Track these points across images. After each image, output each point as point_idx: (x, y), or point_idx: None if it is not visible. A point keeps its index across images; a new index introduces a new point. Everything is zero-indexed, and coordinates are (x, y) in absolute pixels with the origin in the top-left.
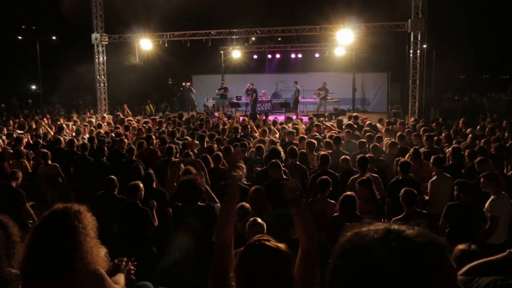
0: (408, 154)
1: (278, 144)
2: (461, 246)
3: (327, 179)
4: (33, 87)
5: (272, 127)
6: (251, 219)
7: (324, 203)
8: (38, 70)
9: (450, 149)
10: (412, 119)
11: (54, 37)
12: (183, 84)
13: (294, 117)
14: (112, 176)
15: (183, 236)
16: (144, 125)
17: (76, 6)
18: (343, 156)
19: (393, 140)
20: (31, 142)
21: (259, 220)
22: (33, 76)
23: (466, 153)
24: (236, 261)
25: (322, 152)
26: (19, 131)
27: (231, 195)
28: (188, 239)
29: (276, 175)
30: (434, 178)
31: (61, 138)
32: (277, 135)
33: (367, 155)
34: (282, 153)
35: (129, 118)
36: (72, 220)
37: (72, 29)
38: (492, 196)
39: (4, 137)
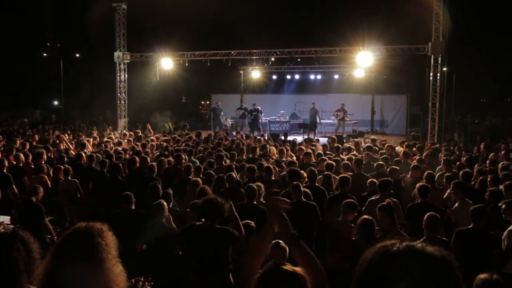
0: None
1: (295, 164)
2: (482, 276)
3: (353, 203)
4: (56, 102)
5: (288, 148)
6: (274, 241)
7: (345, 225)
8: (61, 86)
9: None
10: (429, 144)
11: (77, 55)
12: (216, 102)
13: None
14: (128, 192)
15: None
16: (163, 143)
17: (99, 25)
18: (370, 179)
19: (416, 164)
20: (52, 157)
21: (282, 243)
22: (56, 92)
23: (489, 179)
24: (253, 285)
25: (342, 175)
26: (41, 146)
27: (268, 231)
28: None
29: (296, 197)
30: (456, 204)
31: (82, 154)
32: (294, 158)
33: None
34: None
35: (151, 137)
36: (95, 237)
37: (95, 47)
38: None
39: (27, 152)
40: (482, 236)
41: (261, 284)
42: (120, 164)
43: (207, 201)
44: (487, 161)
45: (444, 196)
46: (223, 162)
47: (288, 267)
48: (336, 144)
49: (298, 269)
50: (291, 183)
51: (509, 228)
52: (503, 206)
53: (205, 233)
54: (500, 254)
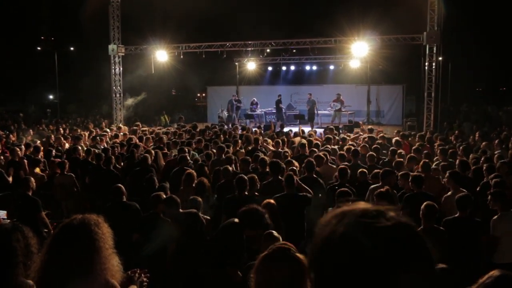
0: (420, 166)
1: (289, 156)
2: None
3: (347, 191)
4: (51, 97)
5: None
6: (267, 232)
7: None
8: (56, 80)
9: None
10: (428, 133)
11: (72, 48)
12: (233, 95)
13: (309, 129)
14: (119, 185)
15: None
16: (164, 134)
17: (94, 18)
18: (360, 169)
19: (412, 154)
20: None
21: (275, 233)
22: (51, 86)
23: (484, 167)
24: (257, 263)
25: (341, 166)
26: (37, 141)
27: None
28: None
29: (288, 190)
30: (449, 193)
31: (79, 147)
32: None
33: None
34: (297, 165)
35: (144, 129)
36: (92, 226)
37: (89, 40)
38: (497, 215)
39: (23, 147)
40: (469, 224)
41: (264, 264)
42: (113, 157)
43: (252, 211)
44: (479, 150)
45: (441, 185)
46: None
47: (291, 252)
48: (328, 135)
49: (300, 255)
50: (272, 176)
51: (494, 218)
52: (489, 197)
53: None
54: (488, 241)
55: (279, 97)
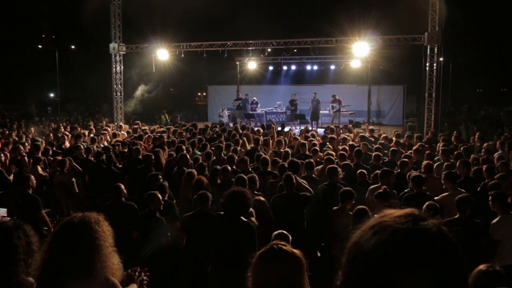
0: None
1: (290, 155)
2: (481, 267)
3: (351, 191)
4: (51, 95)
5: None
6: (277, 232)
7: (343, 213)
8: (56, 79)
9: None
10: (429, 134)
11: (73, 47)
12: (246, 94)
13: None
14: (119, 184)
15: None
16: (163, 133)
17: (95, 16)
18: (359, 170)
19: (407, 154)
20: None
21: (285, 232)
22: (51, 84)
23: (484, 168)
24: (253, 261)
25: (330, 166)
26: (38, 138)
27: None
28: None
29: (288, 190)
30: (447, 193)
31: (80, 146)
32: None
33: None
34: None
35: (144, 127)
36: (92, 224)
37: (90, 38)
38: (497, 217)
39: (27, 144)
40: (468, 226)
41: (261, 261)
42: (113, 156)
43: (235, 193)
44: (482, 151)
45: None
46: (222, 154)
47: (288, 247)
48: (330, 135)
49: (297, 251)
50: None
51: (493, 221)
52: (490, 198)
53: (231, 226)
54: (487, 242)
55: (294, 96)
